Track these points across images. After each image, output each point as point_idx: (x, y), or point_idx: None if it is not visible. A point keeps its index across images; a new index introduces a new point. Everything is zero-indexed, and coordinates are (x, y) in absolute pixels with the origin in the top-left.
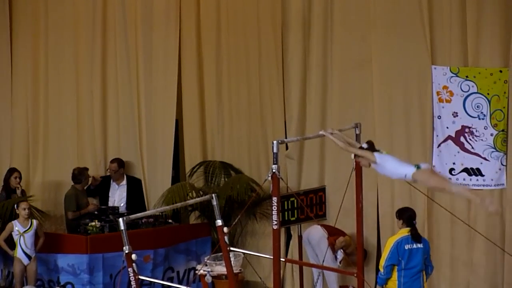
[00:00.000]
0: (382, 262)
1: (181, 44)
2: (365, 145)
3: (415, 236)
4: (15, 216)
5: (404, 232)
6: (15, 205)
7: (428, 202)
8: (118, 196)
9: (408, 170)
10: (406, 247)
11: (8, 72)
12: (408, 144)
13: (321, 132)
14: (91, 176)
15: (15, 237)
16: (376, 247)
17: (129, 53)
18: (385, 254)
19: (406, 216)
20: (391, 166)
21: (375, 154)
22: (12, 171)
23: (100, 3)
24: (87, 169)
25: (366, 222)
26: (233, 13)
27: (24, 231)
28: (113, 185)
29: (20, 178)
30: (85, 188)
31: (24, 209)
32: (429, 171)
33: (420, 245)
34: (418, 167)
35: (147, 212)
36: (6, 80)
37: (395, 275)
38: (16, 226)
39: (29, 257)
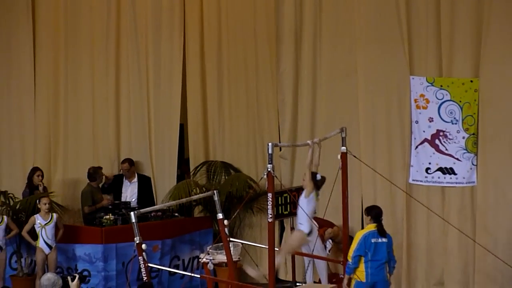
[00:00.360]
0: (351, 253)
1: (186, 56)
2: (319, 176)
3: (381, 231)
4: (38, 210)
5: (371, 227)
6: (37, 201)
7: (407, 197)
8: (130, 192)
9: (303, 226)
10: (372, 240)
11: (31, 81)
12: (389, 146)
13: (308, 142)
14: (104, 175)
15: (37, 229)
16: None
17: (140, 65)
18: (353, 246)
19: (374, 213)
20: (302, 212)
21: (312, 192)
22: (35, 170)
23: (114, 21)
24: (101, 168)
25: (352, 215)
26: (233, 28)
27: (45, 224)
28: (125, 182)
29: (42, 176)
30: (99, 185)
31: (45, 203)
32: (301, 237)
33: (384, 240)
34: (308, 234)
35: (156, 207)
36: (29, 88)
37: (362, 266)
38: (38, 220)
39: (50, 247)
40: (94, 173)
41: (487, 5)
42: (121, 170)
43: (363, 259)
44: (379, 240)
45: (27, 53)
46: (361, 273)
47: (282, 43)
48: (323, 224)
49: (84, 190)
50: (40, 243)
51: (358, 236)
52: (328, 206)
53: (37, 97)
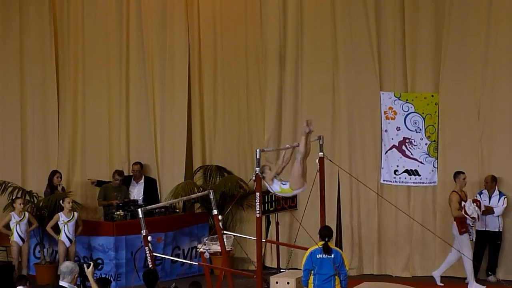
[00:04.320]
0: (301, 267)
1: (190, 74)
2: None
3: (326, 249)
4: (59, 207)
5: (319, 244)
6: (61, 200)
7: (378, 197)
8: (137, 191)
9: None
10: (318, 256)
11: (55, 97)
12: (363, 151)
13: (287, 145)
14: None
15: (60, 225)
16: (335, 232)
17: (147, 84)
18: (302, 261)
19: (322, 233)
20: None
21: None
22: (54, 172)
23: (125, 45)
24: (116, 171)
25: (330, 211)
26: (227, 51)
27: (68, 221)
28: (133, 183)
29: (61, 177)
30: (116, 185)
31: (69, 202)
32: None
33: (330, 256)
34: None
35: (160, 204)
36: (53, 104)
37: (311, 278)
38: (62, 217)
39: (70, 240)
40: (112, 174)
41: (446, 31)
42: (132, 171)
43: (312, 271)
44: (325, 256)
45: (50, 72)
46: (310, 285)
47: (268, 64)
48: None
49: (102, 186)
50: (62, 237)
51: (307, 252)
52: (308, 203)
53: (61, 111)
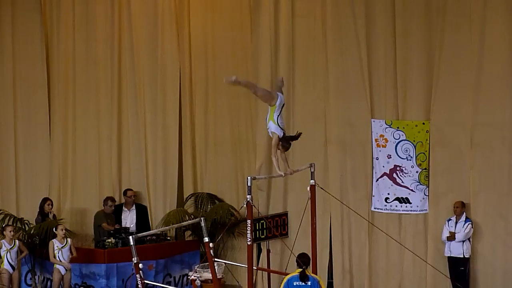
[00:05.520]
0: None
1: (181, 102)
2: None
3: (302, 277)
4: (51, 234)
5: (297, 271)
6: (54, 228)
7: (369, 225)
8: (129, 219)
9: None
10: (295, 283)
11: (47, 124)
12: (354, 179)
13: (280, 173)
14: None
15: (55, 252)
16: (328, 258)
17: (137, 111)
18: None
19: (300, 261)
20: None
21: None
22: (45, 199)
23: (116, 73)
24: (109, 197)
25: (321, 238)
26: (218, 79)
27: (62, 247)
28: (125, 210)
29: (52, 205)
30: (109, 212)
31: (62, 230)
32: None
33: (307, 283)
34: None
35: (151, 231)
36: (45, 131)
37: None
38: (56, 244)
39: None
40: (104, 201)
41: (437, 58)
42: (130, 197)
43: None
44: (301, 283)
45: (42, 100)
46: None
47: None
48: None
49: (97, 212)
50: (57, 265)
51: (284, 279)
52: (299, 231)
53: (52, 138)
